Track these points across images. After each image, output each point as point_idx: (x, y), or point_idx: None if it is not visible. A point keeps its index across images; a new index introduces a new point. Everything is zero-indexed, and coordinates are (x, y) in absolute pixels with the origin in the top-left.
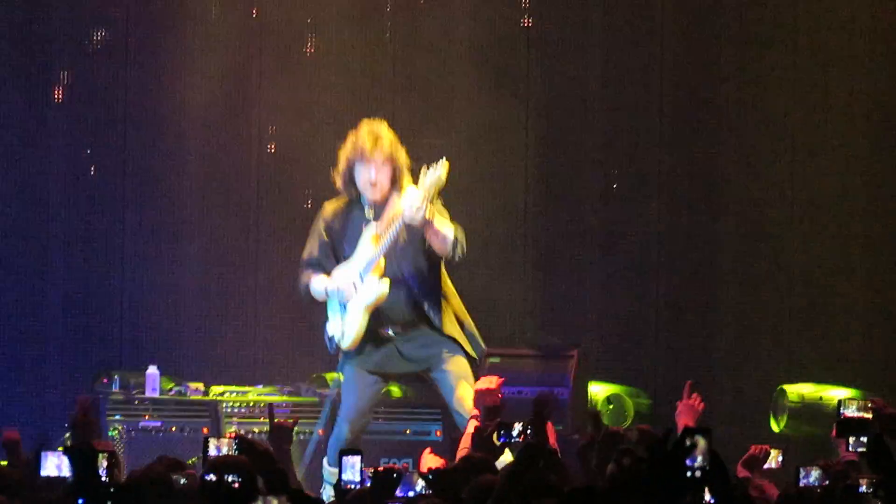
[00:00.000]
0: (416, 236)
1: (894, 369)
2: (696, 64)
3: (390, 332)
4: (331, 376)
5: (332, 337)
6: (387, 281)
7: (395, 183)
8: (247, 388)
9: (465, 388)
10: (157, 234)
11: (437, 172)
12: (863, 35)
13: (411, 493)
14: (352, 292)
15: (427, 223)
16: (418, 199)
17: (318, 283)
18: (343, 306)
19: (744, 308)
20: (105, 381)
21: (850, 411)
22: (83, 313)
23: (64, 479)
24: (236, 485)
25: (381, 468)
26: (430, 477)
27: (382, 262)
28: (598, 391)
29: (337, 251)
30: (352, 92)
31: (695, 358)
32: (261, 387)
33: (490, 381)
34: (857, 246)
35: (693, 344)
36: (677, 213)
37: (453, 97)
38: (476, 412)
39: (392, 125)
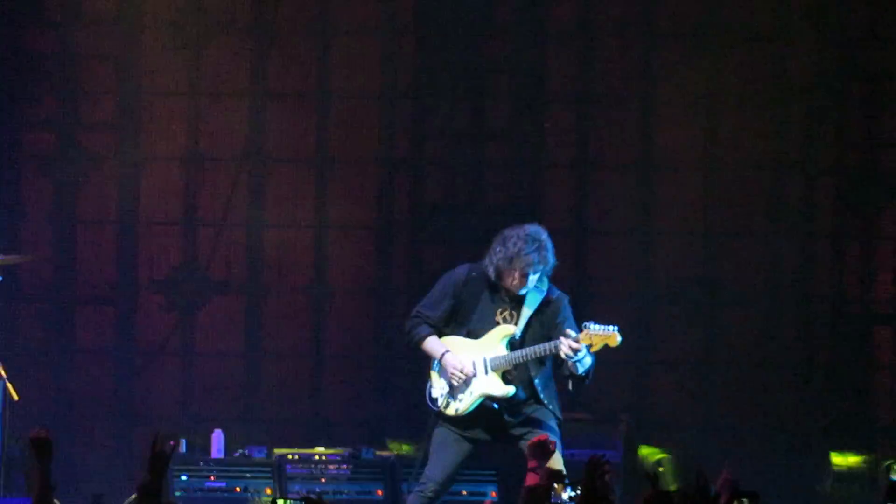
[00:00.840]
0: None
1: None
2: None
3: (496, 407)
4: (393, 444)
5: (436, 399)
6: (512, 389)
7: (537, 285)
8: (309, 451)
9: (556, 456)
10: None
11: (609, 342)
12: None
13: None
14: (467, 375)
15: (582, 358)
16: (580, 347)
17: (436, 346)
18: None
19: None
20: (172, 443)
21: None
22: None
23: None
24: None
25: None
26: None
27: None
28: (648, 455)
29: (457, 316)
30: None
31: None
32: (323, 448)
33: (542, 436)
34: None
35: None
36: None
37: None
38: (533, 463)
39: None
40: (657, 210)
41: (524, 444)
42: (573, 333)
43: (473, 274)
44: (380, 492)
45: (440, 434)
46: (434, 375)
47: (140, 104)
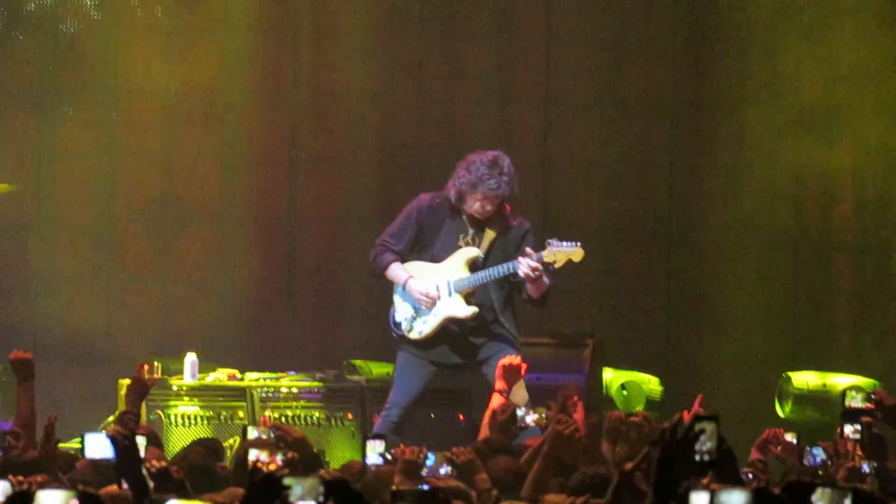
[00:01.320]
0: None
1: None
2: None
3: (457, 330)
4: (359, 363)
5: (400, 323)
6: (474, 309)
7: (498, 210)
8: (280, 375)
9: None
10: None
11: (574, 257)
12: None
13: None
14: (433, 299)
15: (539, 278)
16: (539, 266)
17: (399, 273)
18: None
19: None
20: (146, 367)
21: (856, 402)
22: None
23: (108, 460)
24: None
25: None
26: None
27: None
28: (612, 378)
29: (420, 244)
30: None
31: (704, 347)
32: (293, 373)
33: (514, 359)
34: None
35: (703, 332)
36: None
37: None
38: (502, 385)
39: None
40: (621, 144)
41: (487, 369)
42: (532, 253)
43: (437, 200)
44: (350, 415)
45: (403, 358)
46: (397, 300)
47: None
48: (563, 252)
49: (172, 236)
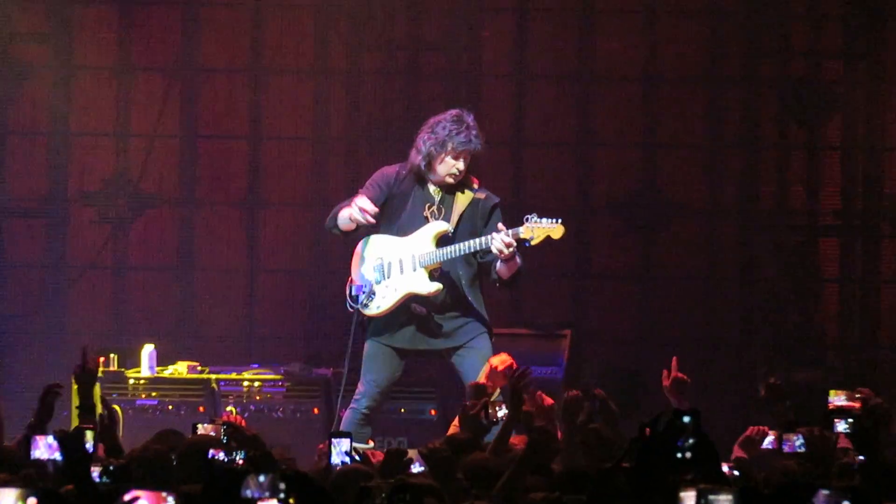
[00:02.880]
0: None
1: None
2: None
3: (423, 310)
4: None
5: (357, 297)
6: (438, 285)
7: (466, 181)
8: (243, 367)
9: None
10: (155, 206)
11: (553, 233)
12: None
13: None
14: (396, 271)
15: (511, 257)
16: (513, 242)
17: (343, 212)
18: (379, 273)
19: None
20: (102, 359)
21: (839, 400)
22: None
23: (55, 461)
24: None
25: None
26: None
27: (438, 263)
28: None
29: (388, 213)
30: None
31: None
32: (257, 366)
33: (504, 361)
34: None
35: (686, 317)
36: None
37: None
38: (489, 385)
39: None
40: (597, 121)
41: (458, 359)
42: (505, 228)
43: (403, 172)
44: (316, 410)
45: (370, 347)
46: (356, 273)
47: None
48: (541, 228)
49: (128, 219)
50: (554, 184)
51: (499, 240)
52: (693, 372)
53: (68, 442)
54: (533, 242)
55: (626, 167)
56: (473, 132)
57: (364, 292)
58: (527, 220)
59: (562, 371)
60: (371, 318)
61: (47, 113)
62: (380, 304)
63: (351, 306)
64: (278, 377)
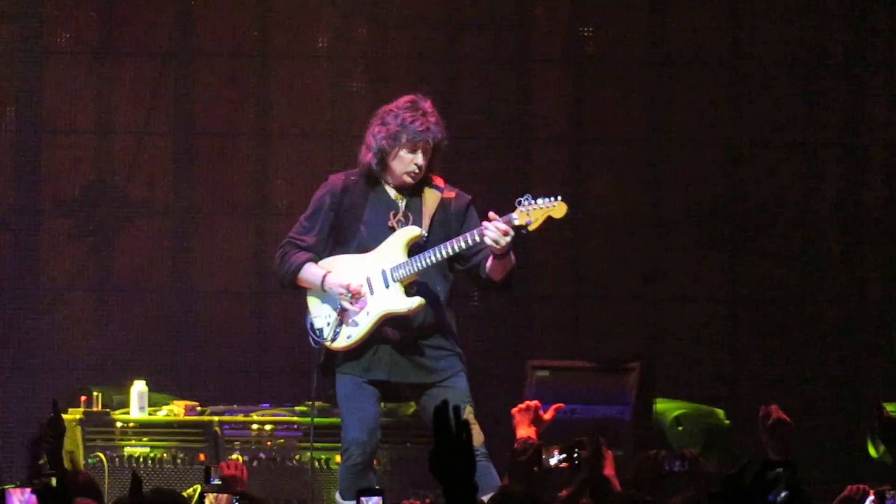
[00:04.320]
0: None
1: None
2: None
3: (396, 334)
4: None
5: (321, 330)
6: (419, 300)
7: (429, 180)
8: (250, 408)
9: (469, 411)
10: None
11: (554, 213)
12: None
13: None
14: (355, 292)
15: (506, 252)
16: (509, 230)
17: (314, 271)
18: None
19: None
20: (83, 399)
21: None
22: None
23: None
24: None
25: None
26: None
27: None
28: (666, 412)
29: (342, 232)
30: None
31: (777, 369)
32: (267, 406)
33: (530, 403)
34: None
35: (775, 354)
36: None
37: None
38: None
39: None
40: (670, 116)
41: (426, 400)
42: (497, 217)
43: (352, 178)
44: (339, 458)
45: (344, 385)
46: (312, 301)
47: None
48: (539, 209)
49: (112, 232)
50: (620, 187)
51: (493, 229)
52: (789, 411)
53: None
54: (532, 227)
55: (706, 168)
56: (432, 119)
57: (328, 324)
58: (519, 203)
59: (629, 411)
60: (336, 353)
61: (14, 106)
62: (350, 334)
63: (315, 342)
64: (293, 419)
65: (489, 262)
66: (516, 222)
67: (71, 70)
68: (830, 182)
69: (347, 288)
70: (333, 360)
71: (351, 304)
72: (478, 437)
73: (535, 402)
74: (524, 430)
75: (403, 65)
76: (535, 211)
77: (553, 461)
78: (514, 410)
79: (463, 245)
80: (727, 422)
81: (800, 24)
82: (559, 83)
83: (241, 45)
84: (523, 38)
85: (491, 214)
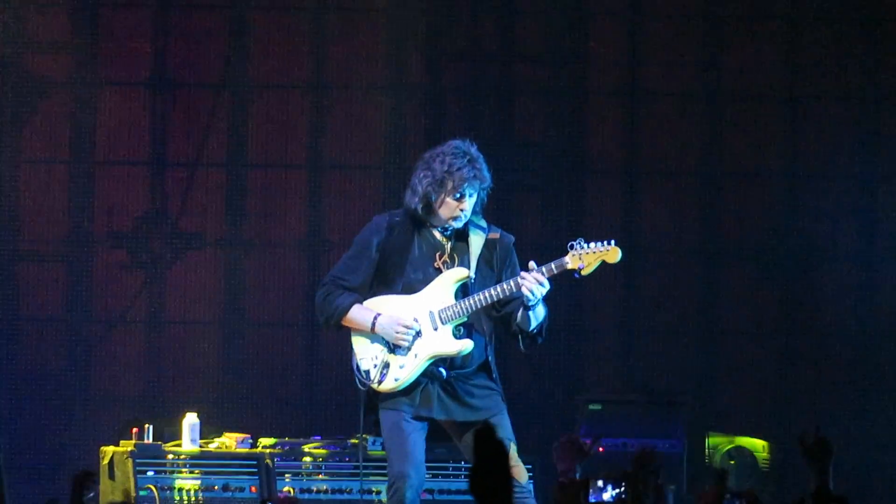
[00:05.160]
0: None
1: None
2: None
3: (443, 373)
4: None
5: (368, 372)
6: (468, 342)
7: (475, 221)
8: (302, 440)
9: (513, 450)
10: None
11: (608, 257)
12: None
13: None
14: (408, 328)
15: (538, 303)
16: (543, 280)
17: (363, 314)
18: (387, 343)
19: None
20: (135, 430)
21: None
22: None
23: None
24: None
25: None
26: None
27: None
28: (718, 446)
29: (386, 273)
30: None
31: (831, 405)
32: (319, 438)
33: (572, 437)
34: None
35: (828, 388)
36: None
37: None
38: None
39: None
40: (724, 150)
41: (470, 438)
42: (536, 266)
43: (396, 219)
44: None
45: (389, 419)
46: (359, 342)
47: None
48: (592, 254)
49: (164, 263)
50: (673, 221)
51: (531, 279)
52: (848, 448)
53: None
54: (585, 272)
55: (760, 202)
56: (478, 166)
57: (375, 366)
58: (571, 246)
59: (681, 445)
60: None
61: (68, 137)
62: (398, 376)
63: (362, 383)
64: (346, 451)
65: (520, 313)
66: (569, 266)
67: (125, 102)
68: (886, 215)
69: (406, 327)
70: (377, 396)
71: (404, 343)
72: (522, 475)
73: (575, 436)
74: (564, 464)
75: (457, 97)
76: (588, 255)
77: (605, 496)
78: (556, 445)
79: (505, 293)
80: (779, 455)
81: (856, 57)
82: (613, 116)
83: (295, 77)
84: (579, 70)
85: (531, 264)
